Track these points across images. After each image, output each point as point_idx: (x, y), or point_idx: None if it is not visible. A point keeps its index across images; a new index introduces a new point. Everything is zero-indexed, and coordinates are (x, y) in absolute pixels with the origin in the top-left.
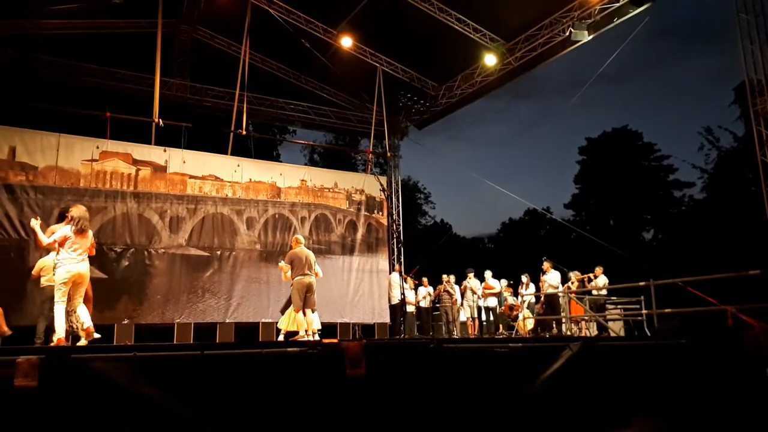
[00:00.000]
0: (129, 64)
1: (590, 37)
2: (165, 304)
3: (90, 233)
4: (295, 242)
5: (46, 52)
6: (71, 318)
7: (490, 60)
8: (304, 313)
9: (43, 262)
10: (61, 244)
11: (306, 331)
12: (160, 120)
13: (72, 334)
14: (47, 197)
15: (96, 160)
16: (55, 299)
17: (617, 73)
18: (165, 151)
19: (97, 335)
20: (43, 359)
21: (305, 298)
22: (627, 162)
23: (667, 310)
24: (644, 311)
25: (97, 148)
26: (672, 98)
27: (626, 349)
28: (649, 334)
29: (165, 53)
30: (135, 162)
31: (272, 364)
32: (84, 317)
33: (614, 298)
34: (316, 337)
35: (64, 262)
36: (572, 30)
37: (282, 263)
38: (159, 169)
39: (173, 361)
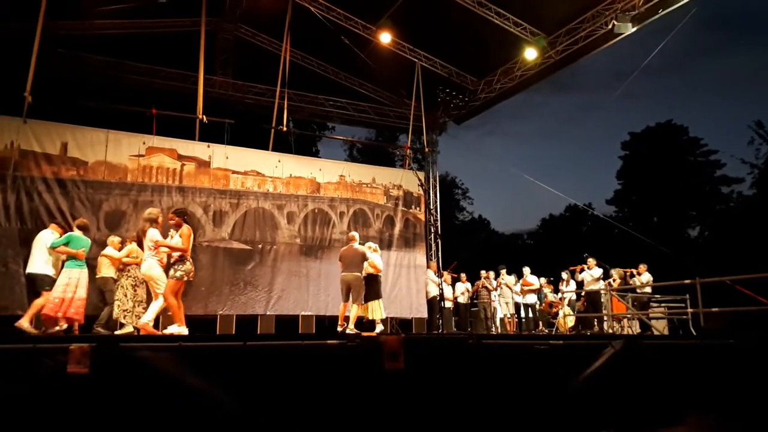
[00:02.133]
0: (174, 63)
1: (634, 29)
2: (208, 296)
3: (150, 232)
4: (348, 239)
5: (96, 51)
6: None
7: (530, 54)
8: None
9: (117, 254)
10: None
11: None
12: (204, 116)
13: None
14: (96, 191)
15: (143, 156)
16: None
17: (662, 66)
18: (209, 146)
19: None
20: (94, 347)
21: (347, 294)
22: (672, 157)
23: (714, 309)
24: (690, 310)
25: (144, 143)
26: (720, 91)
27: (672, 348)
28: (694, 333)
29: (208, 51)
30: (180, 157)
31: (312, 356)
32: (147, 312)
33: (658, 296)
34: (380, 327)
35: None
36: (615, 22)
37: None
38: (203, 165)
39: (217, 351)
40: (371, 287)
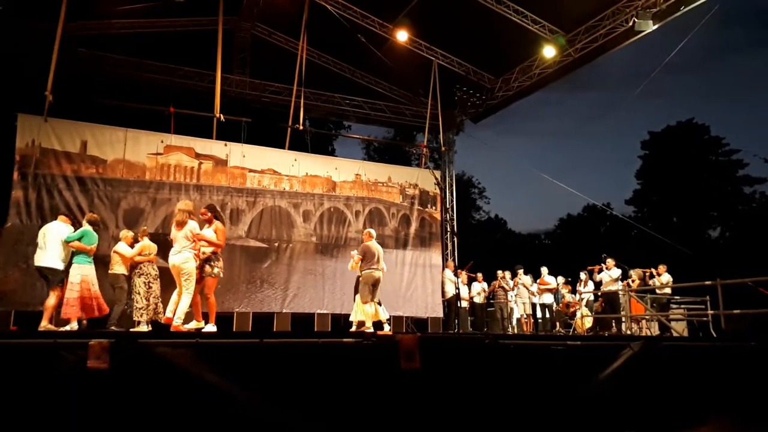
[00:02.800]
0: (191, 62)
1: (655, 26)
2: (225, 294)
3: (189, 224)
4: (368, 236)
5: (114, 50)
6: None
7: (549, 52)
8: (372, 305)
9: (128, 252)
10: (172, 239)
11: (374, 322)
12: (221, 115)
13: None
14: (115, 189)
15: (161, 154)
16: None
17: (683, 64)
18: (226, 145)
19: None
20: (114, 343)
21: (373, 291)
22: (693, 156)
23: (735, 311)
24: (710, 312)
25: (162, 142)
26: (743, 89)
27: (692, 350)
28: (715, 335)
29: (225, 50)
30: (197, 156)
31: (328, 353)
32: (178, 310)
33: (678, 297)
34: (387, 327)
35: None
36: (636, 20)
37: (354, 252)
38: (220, 163)
39: (234, 348)
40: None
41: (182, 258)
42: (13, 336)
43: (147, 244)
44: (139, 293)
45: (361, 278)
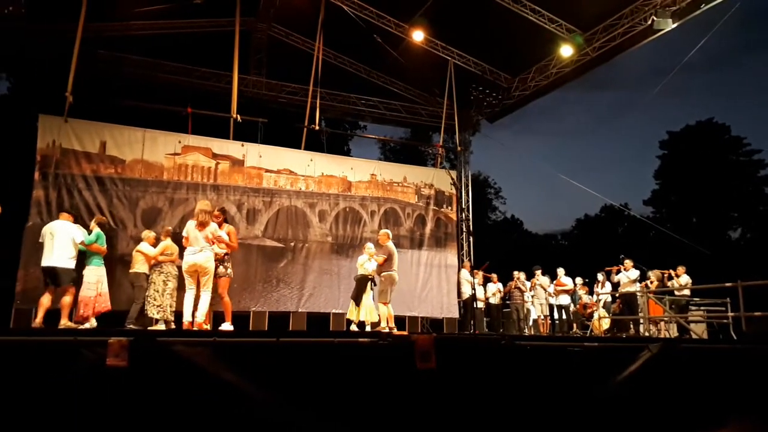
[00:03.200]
0: (208, 62)
1: (674, 25)
2: (241, 293)
3: (211, 226)
4: (387, 237)
5: (133, 51)
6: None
7: (566, 51)
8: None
9: (151, 251)
10: (186, 238)
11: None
12: (238, 116)
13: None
14: (134, 189)
15: (178, 154)
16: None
17: (702, 62)
18: (243, 145)
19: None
20: (132, 341)
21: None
22: (712, 156)
23: (756, 314)
24: (730, 314)
25: (179, 142)
26: (764, 88)
27: (712, 353)
28: (735, 337)
29: (242, 51)
30: (214, 156)
31: (343, 353)
32: (200, 308)
33: (697, 299)
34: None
35: (186, 254)
36: (655, 18)
37: (379, 256)
38: (237, 163)
39: (250, 346)
40: (362, 289)
41: (204, 257)
42: (35, 333)
43: (169, 244)
44: (157, 291)
45: (382, 279)
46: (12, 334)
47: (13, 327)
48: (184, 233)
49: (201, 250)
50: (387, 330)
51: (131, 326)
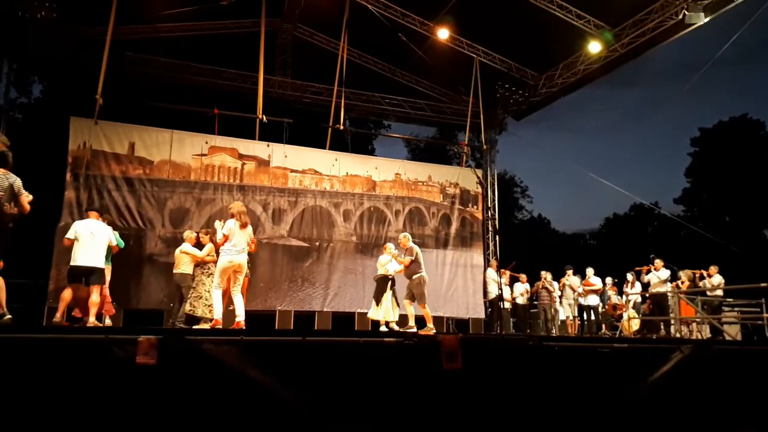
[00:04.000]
0: (234, 63)
1: (707, 19)
2: (267, 292)
3: (250, 228)
4: (407, 239)
5: (160, 54)
6: (195, 303)
7: (594, 47)
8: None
9: (199, 253)
10: (228, 237)
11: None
12: (264, 116)
13: (195, 317)
14: (162, 189)
15: (205, 155)
16: (213, 285)
17: (735, 57)
18: (268, 146)
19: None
20: (161, 339)
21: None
22: (746, 154)
23: None
24: (766, 315)
25: (206, 143)
26: None
27: (746, 354)
28: None
29: (268, 52)
30: (241, 156)
31: (369, 353)
32: (238, 308)
33: (730, 299)
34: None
35: (227, 253)
36: (686, 12)
37: (405, 257)
38: (263, 164)
39: (277, 345)
40: (383, 289)
41: (246, 258)
42: (68, 331)
43: (212, 245)
44: (208, 291)
45: (416, 282)
46: (45, 332)
47: (46, 324)
48: (225, 231)
49: (243, 251)
50: (432, 330)
51: (181, 325)
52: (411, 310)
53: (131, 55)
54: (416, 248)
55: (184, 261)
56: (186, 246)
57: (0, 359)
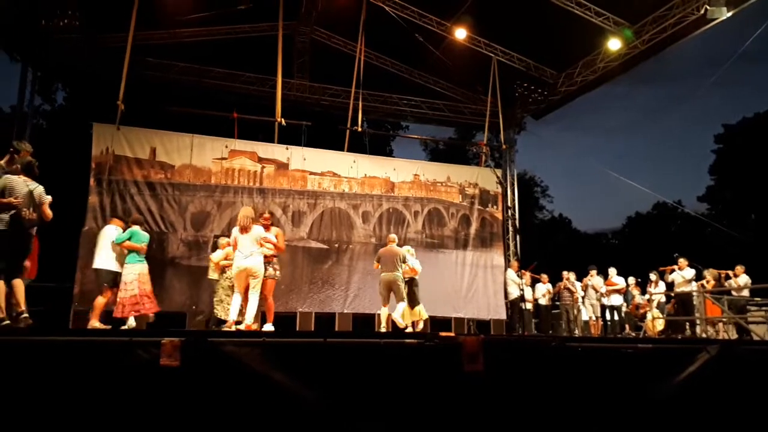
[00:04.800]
0: (253, 67)
1: (729, 13)
2: (288, 294)
3: (255, 230)
4: (389, 240)
5: (180, 58)
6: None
7: (614, 45)
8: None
9: (215, 258)
10: (234, 245)
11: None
12: (283, 119)
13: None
14: (183, 193)
15: (225, 159)
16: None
17: (759, 51)
18: (287, 149)
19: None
20: (184, 341)
21: (387, 295)
22: None
23: None
24: None
25: (226, 147)
26: None
27: None
28: None
29: (286, 55)
30: (260, 160)
31: (390, 354)
32: (249, 310)
33: (758, 299)
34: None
35: (235, 259)
36: (708, 7)
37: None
38: (282, 166)
39: (298, 347)
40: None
41: (255, 261)
42: (93, 334)
43: (230, 250)
44: (228, 295)
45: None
46: (71, 335)
47: (72, 327)
48: (230, 240)
49: (251, 254)
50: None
51: (214, 328)
52: (411, 310)
53: (152, 61)
54: (393, 249)
55: (210, 267)
56: (217, 253)
57: (28, 361)
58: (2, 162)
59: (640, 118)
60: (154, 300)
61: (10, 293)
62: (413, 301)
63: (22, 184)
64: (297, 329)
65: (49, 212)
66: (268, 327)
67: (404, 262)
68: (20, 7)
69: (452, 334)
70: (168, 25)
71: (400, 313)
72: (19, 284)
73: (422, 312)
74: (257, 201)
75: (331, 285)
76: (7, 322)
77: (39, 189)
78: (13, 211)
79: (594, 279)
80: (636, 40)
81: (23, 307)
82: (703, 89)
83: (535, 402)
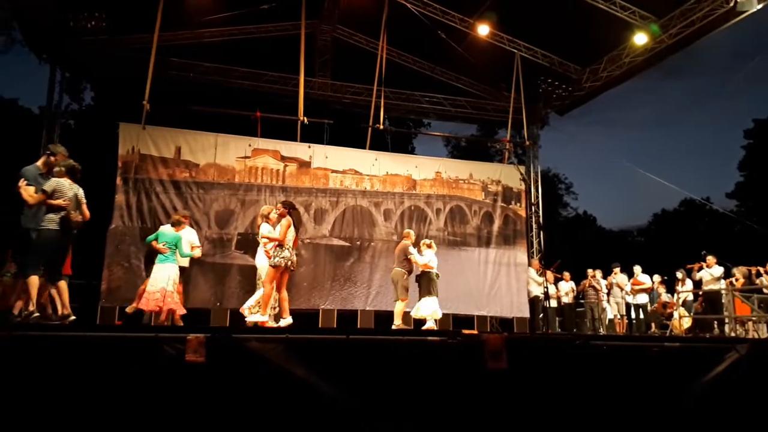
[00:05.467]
0: (275, 66)
1: (760, 5)
2: (311, 291)
3: (262, 227)
4: (405, 236)
5: (203, 58)
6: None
7: (640, 39)
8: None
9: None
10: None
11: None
12: (305, 118)
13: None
14: (207, 192)
15: (248, 157)
16: None
17: None
18: (309, 147)
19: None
20: (209, 338)
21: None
22: None
23: None
24: None
25: (249, 146)
26: None
27: None
28: None
29: (308, 53)
30: (283, 158)
31: (412, 351)
32: (250, 299)
33: None
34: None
35: None
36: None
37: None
38: (304, 165)
39: (321, 343)
40: (420, 284)
41: (258, 259)
42: (120, 330)
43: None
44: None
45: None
46: (99, 331)
47: (99, 323)
48: None
49: (257, 252)
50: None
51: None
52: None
53: (176, 61)
54: (401, 244)
55: None
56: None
57: (58, 357)
58: (39, 164)
59: (667, 113)
60: (179, 301)
61: (55, 294)
62: (425, 294)
63: (68, 187)
64: (319, 326)
65: (87, 213)
66: (283, 321)
67: (407, 257)
68: (49, 10)
69: (475, 331)
70: (192, 25)
71: (398, 311)
72: (63, 286)
73: (435, 312)
74: (280, 199)
75: (353, 282)
76: (37, 314)
77: (81, 192)
78: (63, 213)
79: (618, 277)
80: (663, 34)
81: (68, 309)
82: (733, 83)
83: (559, 400)
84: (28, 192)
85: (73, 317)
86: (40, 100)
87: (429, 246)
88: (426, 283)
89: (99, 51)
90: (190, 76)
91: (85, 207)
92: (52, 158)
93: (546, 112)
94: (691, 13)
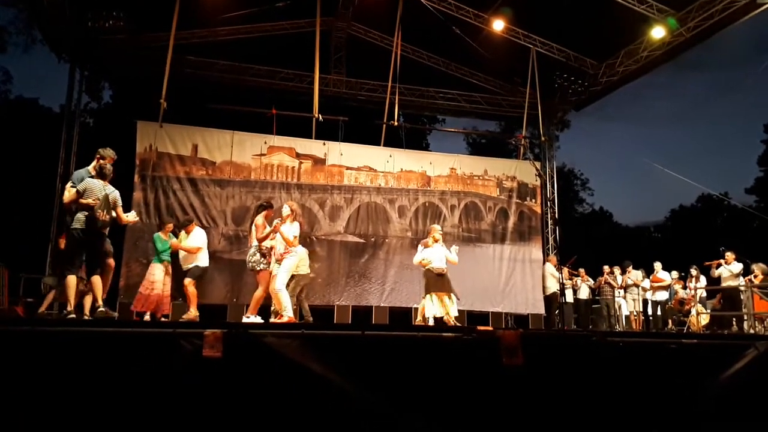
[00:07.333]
0: (290, 63)
1: None
2: (325, 287)
3: (284, 228)
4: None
5: (219, 56)
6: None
7: (657, 33)
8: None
9: None
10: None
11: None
12: (320, 115)
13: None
14: (224, 189)
15: (264, 155)
16: None
17: None
18: (324, 144)
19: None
20: (226, 333)
21: None
22: None
23: None
24: None
25: (265, 143)
26: None
27: None
28: None
29: (323, 50)
30: (298, 155)
31: (427, 347)
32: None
33: None
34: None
35: None
36: None
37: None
38: (319, 162)
39: (337, 339)
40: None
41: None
42: (138, 325)
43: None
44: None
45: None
46: (117, 326)
47: (117, 319)
48: None
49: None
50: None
51: None
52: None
53: (192, 59)
54: None
55: None
56: None
57: (78, 352)
58: (90, 168)
59: (685, 107)
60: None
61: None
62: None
63: (100, 187)
64: (334, 322)
65: (122, 216)
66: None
67: None
68: (69, 10)
69: (490, 328)
70: (208, 23)
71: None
72: (96, 281)
73: (433, 312)
74: (295, 197)
75: (367, 279)
76: (73, 315)
77: (115, 194)
78: (89, 212)
79: (631, 274)
80: (681, 27)
81: (100, 302)
82: (752, 77)
83: (576, 396)
84: (69, 193)
85: (102, 309)
86: (59, 99)
87: (425, 245)
88: (423, 282)
89: (117, 50)
90: (206, 74)
91: (120, 210)
92: (101, 161)
93: (562, 108)
94: (710, 5)
